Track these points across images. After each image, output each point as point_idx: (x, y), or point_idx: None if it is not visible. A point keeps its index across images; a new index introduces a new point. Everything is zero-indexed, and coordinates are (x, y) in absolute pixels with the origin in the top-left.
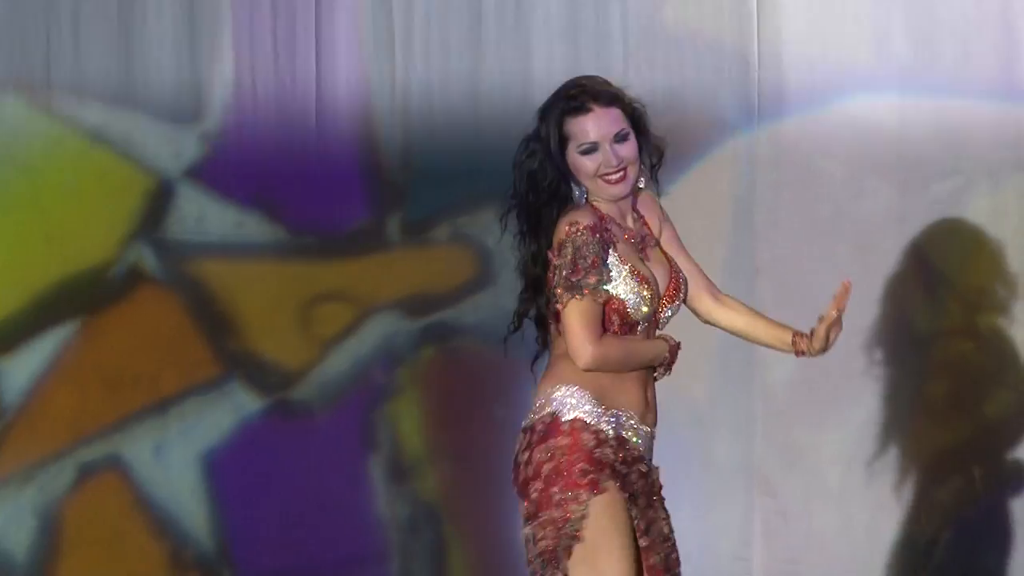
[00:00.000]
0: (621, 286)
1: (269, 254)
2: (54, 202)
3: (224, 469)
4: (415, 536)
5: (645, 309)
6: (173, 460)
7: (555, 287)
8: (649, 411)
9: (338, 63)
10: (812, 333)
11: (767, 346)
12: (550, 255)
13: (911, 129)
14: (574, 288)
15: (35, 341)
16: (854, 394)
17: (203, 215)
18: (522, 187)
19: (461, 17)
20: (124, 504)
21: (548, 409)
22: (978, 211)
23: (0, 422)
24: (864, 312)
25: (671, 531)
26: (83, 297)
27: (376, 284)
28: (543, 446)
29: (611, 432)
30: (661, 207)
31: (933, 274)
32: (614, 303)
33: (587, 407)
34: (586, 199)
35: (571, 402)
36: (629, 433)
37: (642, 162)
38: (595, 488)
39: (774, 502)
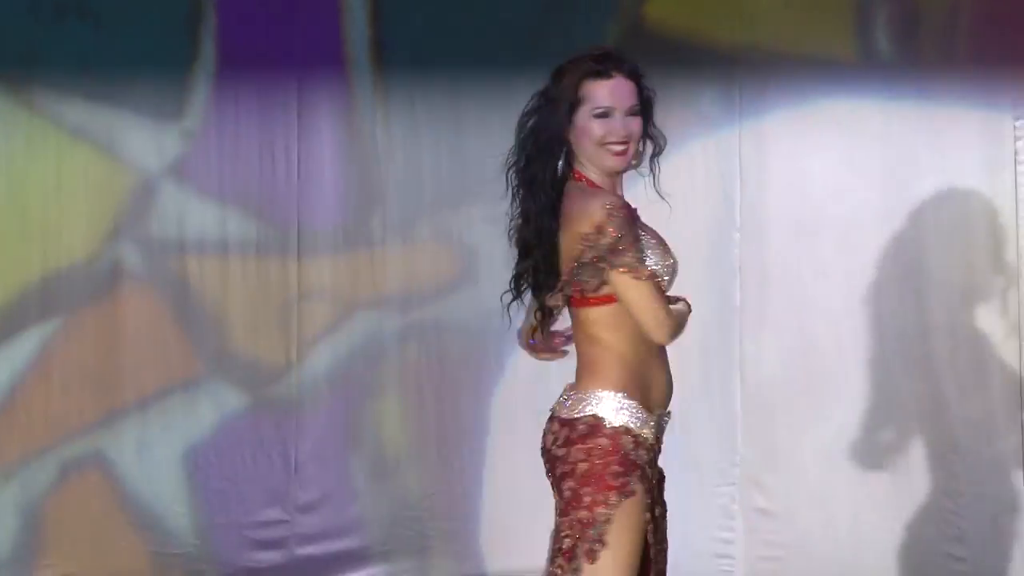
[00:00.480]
0: (652, 258)
1: (251, 251)
2: (36, 200)
3: (206, 466)
4: (398, 533)
5: (668, 277)
6: (155, 457)
7: (616, 267)
8: (664, 392)
9: (320, 59)
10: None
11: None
12: (586, 235)
13: (894, 128)
14: (640, 265)
15: (17, 339)
16: (837, 393)
17: (185, 212)
18: (521, 140)
19: (445, 9)
20: (106, 501)
21: (592, 411)
22: (959, 210)
23: None
24: (847, 311)
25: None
26: (65, 294)
27: (358, 282)
28: (582, 447)
29: (651, 437)
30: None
31: (916, 273)
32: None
33: (634, 415)
34: (572, 169)
35: (617, 407)
36: (662, 430)
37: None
38: (625, 490)
39: (756, 500)
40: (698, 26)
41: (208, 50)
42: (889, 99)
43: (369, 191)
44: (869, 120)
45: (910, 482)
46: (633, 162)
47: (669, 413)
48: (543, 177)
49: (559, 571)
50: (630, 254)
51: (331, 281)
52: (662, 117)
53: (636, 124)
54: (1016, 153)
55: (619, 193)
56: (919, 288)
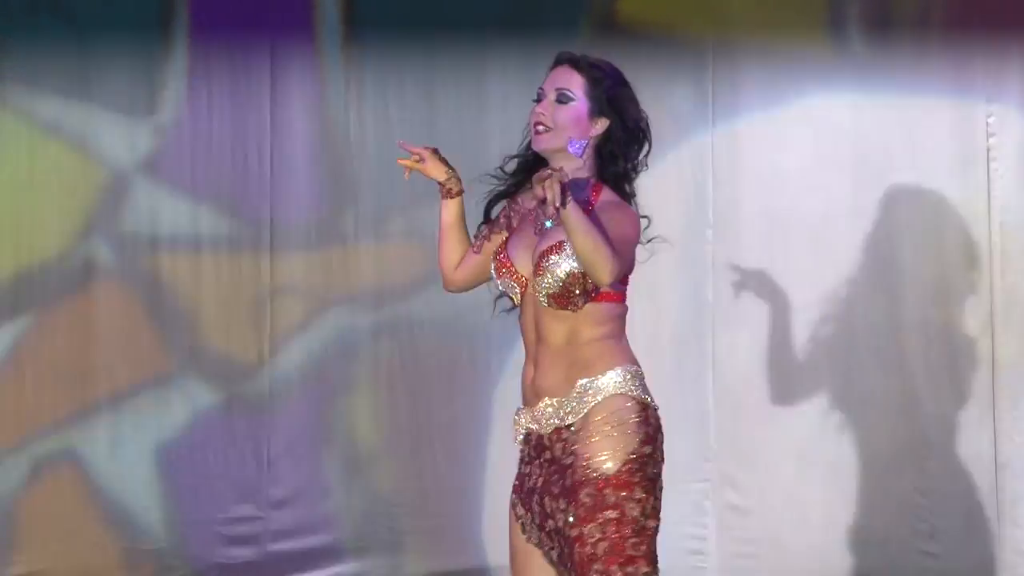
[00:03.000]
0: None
1: (224, 248)
2: (7, 195)
3: (178, 463)
4: (371, 530)
5: (498, 284)
6: (128, 454)
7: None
8: (539, 391)
9: (293, 55)
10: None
11: (575, 240)
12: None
13: (866, 123)
14: None
15: None
16: (808, 388)
17: (158, 208)
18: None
19: (417, 4)
20: (79, 498)
21: None
22: (932, 206)
23: None
24: (819, 306)
25: (571, 525)
26: (37, 291)
27: (331, 278)
28: None
29: (518, 439)
30: (617, 204)
31: (889, 269)
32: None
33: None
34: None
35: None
36: (531, 424)
37: (614, 149)
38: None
39: (729, 497)
40: (671, 22)
41: (180, 45)
42: (861, 94)
43: (342, 187)
44: (841, 115)
45: (883, 479)
46: (579, 156)
47: (554, 403)
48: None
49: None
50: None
51: (304, 277)
52: (663, 124)
53: (563, 112)
54: (989, 149)
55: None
56: (892, 284)
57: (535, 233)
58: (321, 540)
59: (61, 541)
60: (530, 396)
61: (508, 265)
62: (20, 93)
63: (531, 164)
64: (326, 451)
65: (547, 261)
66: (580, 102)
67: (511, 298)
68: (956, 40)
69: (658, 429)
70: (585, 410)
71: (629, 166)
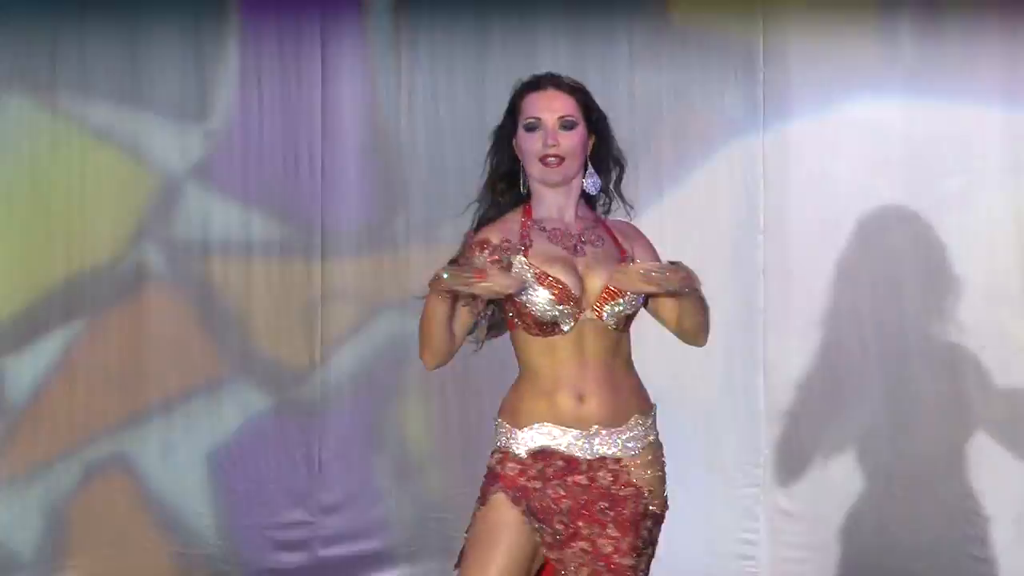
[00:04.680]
0: (527, 287)
1: (275, 252)
2: (59, 201)
3: (230, 468)
4: (422, 535)
5: (551, 312)
6: (179, 459)
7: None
8: (586, 416)
9: (343, 61)
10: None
11: (692, 319)
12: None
13: (917, 128)
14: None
15: (41, 340)
16: (861, 393)
17: (209, 213)
18: (485, 176)
19: (467, 16)
20: (131, 503)
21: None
22: (985, 210)
23: (6, 421)
24: (872, 312)
25: (621, 553)
26: (89, 296)
27: (382, 283)
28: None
29: (521, 450)
30: (644, 237)
31: (940, 274)
32: (521, 307)
33: (507, 438)
34: (527, 191)
35: (499, 433)
36: (550, 443)
37: (600, 173)
38: (482, 501)
39: (780, 501)
40: (721, 22)
41: (232, 50)
42: (912, 97)
43: (393, 192)
44: (892, 119)
45: (934, 484)
46: (590, 185)
47: (599, 431)
48: (489, 195)
49: None
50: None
51: (354, 282)
52: (686, 117)
53: (570, 138)
54: None
55: (576, 217)
56: (944, 290)
57: (574, 253)
58: (372, 546)
59: (113, 546)
60: (571, 420)
61: (570, 294)
62: (72, 99)
63: (515, 181)
64: (377, 456)
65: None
66: (581, 125)
67: (551, 326)
68: (1009, 43)
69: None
70: (641, 447)
71: (610, 187)
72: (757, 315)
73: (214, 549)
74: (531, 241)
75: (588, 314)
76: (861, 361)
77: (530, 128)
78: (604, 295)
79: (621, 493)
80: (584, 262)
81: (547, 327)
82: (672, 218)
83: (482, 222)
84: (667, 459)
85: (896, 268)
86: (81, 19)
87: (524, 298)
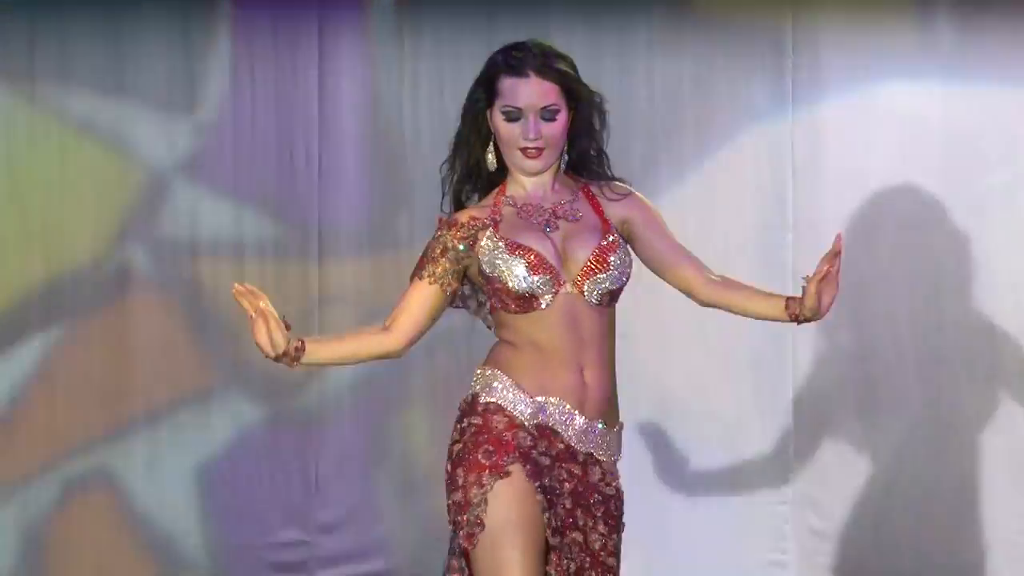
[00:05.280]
0: (497, 260)
1: (269, 253)
2: (37, 199)
3: (220, 484)
4: (426, 556)
5: (527, 282)
6: (166, 475)
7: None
8: (591, 400)
9: (342, 49)
10: (804, 293)
11: (766, 318)
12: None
13: (957, 118)
14: (415, 272)
15: (18, 347)
16: (898, 404)
17: (198, 212)
18: (454, 156)
19: (475, 1)
20: (114, 522)
21: (472, 390)
22: None
23: None
24: (910, 315)
25: (607, 552)
26: (69, 300)
27: (383, 286)
28: (458, 427)
29: (527, 417)
30: (633, 194)
31: (982, 274)
32: (495, 282)
33: (507, 392)
34: (497, 167)
35: (493, 385)
36: (557, 424)
37: (587, 151)
38: (497, 470)
39: (810, 520)
40: (748, 9)
41: (223, 36)
42: (951, 85)
43: (395, 188)
44: (930, 108)
45: (976, 502)
46: (563, 160)
47: (598, 428)
48: (459, 169)
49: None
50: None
51: (354, 285)
52: (709, 106)
53: (552, 127)
54: None
55: (552, 192)
56: (985, 292)
57: (544, 229)
58: (373, 567)
59: (94, 568)
60: (574, 400)
61: (546, 263)
62: (50, 88)
63: (487, 171)
64: (378, 471)
65: (610, 257)
66: (563, 111)
67: (530, 301)
68: None
69: None
70: (616, 459)
71: (598, 146)
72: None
73: (203, 571)
74: (501, 216)
75: (568, 288)
76: (897, 369)
77: (510, 117)
78: (585, 268)
79: (608, 492)
80: (559, 236)
81: (524, 301)
82: (695, 216)
83: (458, 206)
84: (689, 473)
85: (935, 268)
86: (60, 2)
87: (496, 272)
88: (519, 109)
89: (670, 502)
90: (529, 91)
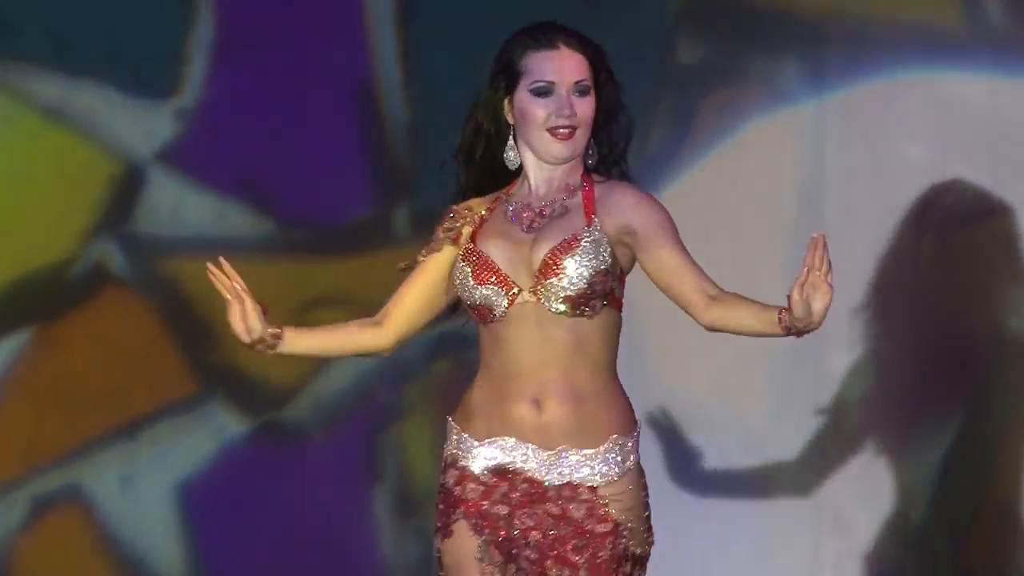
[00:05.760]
0: (456, 265)
1: (256, 251)
2: (2, 191)
3: (203, 502)
4: None
5: (475, 292)
6: (143, 492)
7: None
8: (553, 432)
9: (335, 28)
10: (789, 302)
11: (763, 335)
12: None
13: (1005, 109)
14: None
15: None
16: (940, 413)
17: (179, 205)
18: (464, 143)
19: None
20: (86, 544)
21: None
22: None
23: None
24: (952, 320)
25: None
26: (37, 302)
27: (381, 285)
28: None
29: (479, 465)
30: (642, 197)
31: None
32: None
33: (460, 441)
34: (520, 165)
35: (450, 435)
36: (515, 462)
37: (602, 144)
38: (444, 530)
39: (846, 541)
40: None
41: (205, 15)
42: (1000, 74)
43: (393, 179)
44: (977, 98)
45: (1019, 516)
46: (590, 153)
47: (561, 452)
48: (471, 164)
49: None
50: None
51: (349, 283)
52: (733, 94)
53: (586, 105)
54: None
55: (554, 190)
56: None
57: (525, 230)
58: None
59: None
60: (530, 434)
61: (494, 269)
62: (18, 71)
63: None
64: (376, 488)
65: (563, 259)
66: (592, 91)
67: (484, 312)
68: None
69: None
70: (619, 474)
71: (623, 145)
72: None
73: None
74: (489, 217)
75: (526, 296)
76: (942, 380)
77: (541, 92)
78: (539, 271)
79: (597, 530)
80: (534, 236)
81: (481, 312)
82: (719, 211)
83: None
84: (705, 476)
85: (981, 269)
86: None
87: (453, 278)
88: (550, 83)
89: (690, 520)
90: (560, 64)
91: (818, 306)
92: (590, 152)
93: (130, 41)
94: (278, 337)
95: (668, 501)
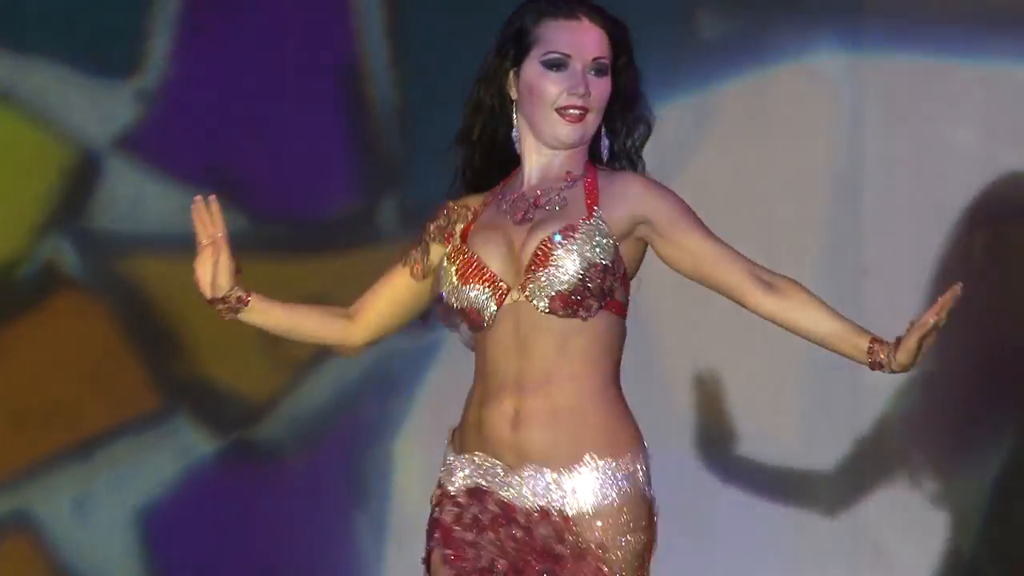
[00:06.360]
0: (441, 266)
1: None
2: None
3: (166, 530)
4: None
5: (461, 293)
6: (100, 519)
7: None
8: (529, 449)
9: (318, 1)
10: (897, 342)
11: (837, 352)
12: None
13: None
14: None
15: None
16: (991, 431)
17: (140, 197)
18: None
19: None
20: (36, 574)
21: None
22: None
23: None
24: (1006, 328)
25: None
26: None
27: (366, 287)
28: None
29: (459, 482)
30: (651, 185)
31: None
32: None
33: (449, 455)
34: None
35: (446, 451)
36: (486, 480)
37: (617, 136)
38: (426, 562)
39: (886, 573)
40: None
41: None
42: None
43: (380, 169)
44: None
45: None
46: (603, 145)
47: (540, 472)
48: (473, 144)
49: None
50: None
51: (331, 284)
52: (761, 73)
53: (601, 87)
54: None
55: (552, 179)
56: None
57: (519, 222)
58: None
59: None
60: (503, 451)
61: (480, 267)
62: None
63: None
64: (359, 514)
65: (556, 249)
66: (609, 73)
67: (473, 316)
68: None
69: (655, 539)
70: (601, 501)
71: (636, 138)
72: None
73: None
74: (482, 211)
75: (515, 295)
76: (994, 395)
77: (554, 65)
78: (528, 266)
79: (563, 552)
80: (526, 230)
81: (470, 316)
82: (742, 205)
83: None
84: (742, 517)
85: None
86: None
87: (440, 280)
88: (566, 56)
89: (712, 550)
90: (580, 36)
91: (925, 350)
92: (602, 145)
93: (86, 13)
94: (243, 302)
95: (690, 525)
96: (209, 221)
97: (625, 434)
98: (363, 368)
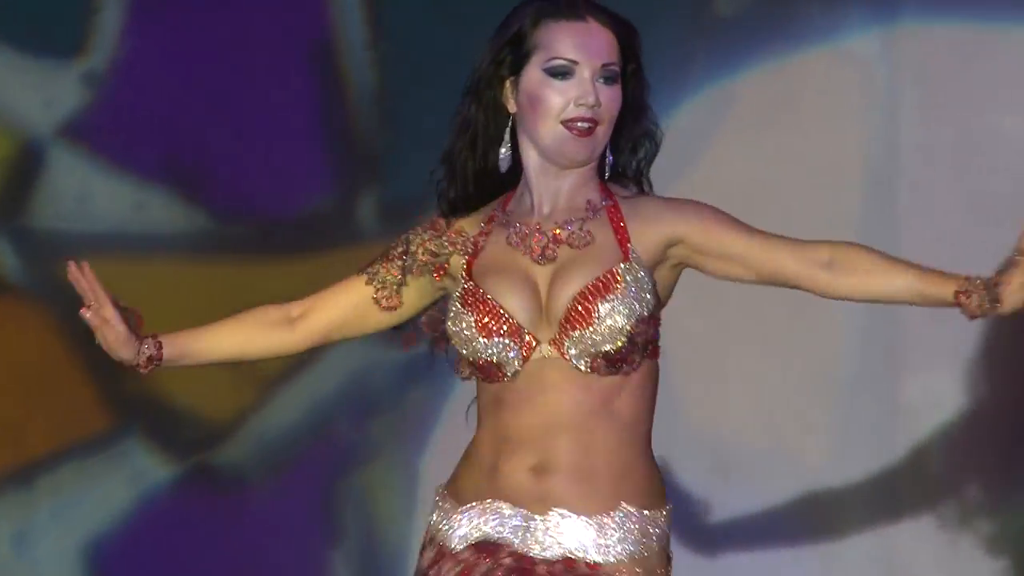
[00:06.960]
0: (451, 311)
1: (185, 249)
2: None
3: (117, 566)
4: None
5: (479, 346)
6: (42, 552)
7: None
8: (553, 485)
9: None
10: (991, 283)
11: (908, 301)
12: None
13: None
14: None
15: None
16: None
17: (87, 193)
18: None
19: None
20: None
21: None
22: None
23: None
24: None
25: None
26: None
27: None
28: None
29: (459, 540)
30: (675, 201)
31: None
32: (450, 339)
33: (445, 509)
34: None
35: (436, 503)
36: (498, 531)
37: (622, 152)
38: None
39: None
40: None
41: None
42: None
43: (355, 163)
44: None
45: None
46: (607, 162)
47: (557, 517)
48: (461, 165)
49: None
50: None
51: (302, 290)
52: (795, 60)
53: (612, 95)
54: None
55: (565, 208)
56: None
57: (539, 260)
58: None
59: None
60: (523, 498)
61: (503, 318)
62: None
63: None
64: (335, 548)
65: (597, 304)
66: (619, 82)
67: (491, 371)
68: None
69: None
70: (633, 552)
71: (641, 157)
72: (894, 342)
73: None
74: (485, 243)
75: (545, 350)
76: None
77: (559, 73)
78: (565, 320)
79: None
80: (551, 271)
81: (487, 370)
82: (767, 198)
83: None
84: (768, 549)
85: None
86: None
87: (449, 327)
88: (572, 63)
89: None
90: (587, 40)
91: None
92: (606, 161)
93: None
94: (156, 359)
95: (706, 551)
96: (87, 288)
97: (656, 486)
98: (338, 384)
